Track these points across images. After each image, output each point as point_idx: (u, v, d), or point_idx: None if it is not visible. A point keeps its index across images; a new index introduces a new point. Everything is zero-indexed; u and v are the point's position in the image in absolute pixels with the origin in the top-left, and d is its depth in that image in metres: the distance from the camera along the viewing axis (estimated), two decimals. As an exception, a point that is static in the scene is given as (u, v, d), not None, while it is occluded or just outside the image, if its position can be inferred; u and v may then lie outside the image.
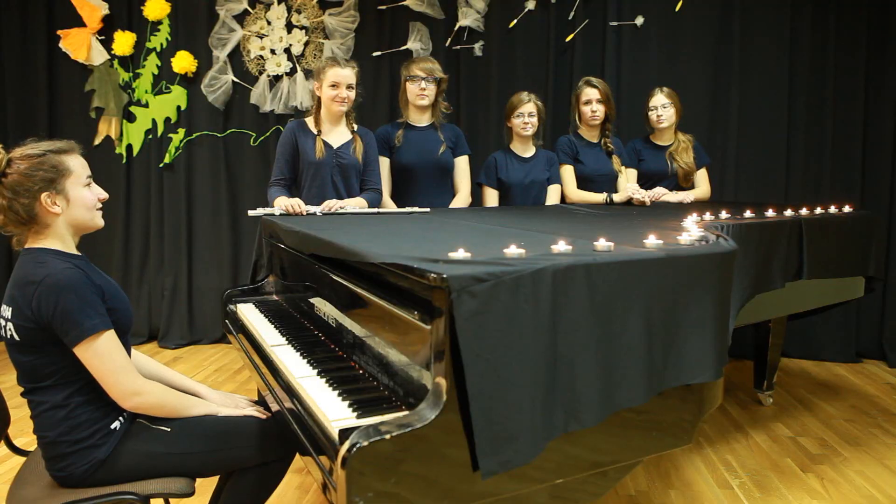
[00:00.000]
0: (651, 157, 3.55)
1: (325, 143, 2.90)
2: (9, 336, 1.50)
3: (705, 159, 3.60)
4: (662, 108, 3.46)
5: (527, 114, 3.26)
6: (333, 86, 2.84)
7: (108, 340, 1.46)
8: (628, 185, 3.35)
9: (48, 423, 1.49)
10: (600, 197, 3.34)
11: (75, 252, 1.58)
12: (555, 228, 2.01)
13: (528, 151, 3.35)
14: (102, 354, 1.45)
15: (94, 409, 1.51)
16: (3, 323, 1.51)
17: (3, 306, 1.52)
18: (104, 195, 1.62)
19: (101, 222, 1.62)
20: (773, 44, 4.00)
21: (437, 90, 3.16)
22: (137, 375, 1.51)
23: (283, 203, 2.65)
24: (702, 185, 3.57)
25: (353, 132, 2.95)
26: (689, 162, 3.51)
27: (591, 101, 3.38)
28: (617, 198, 3.32)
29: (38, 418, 1.51)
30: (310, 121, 2.94)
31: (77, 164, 1.55)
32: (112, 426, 1.53)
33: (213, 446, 1.58)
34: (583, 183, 3.41)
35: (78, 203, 1.54)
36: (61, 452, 1.48)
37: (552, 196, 3.34)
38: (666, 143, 3.55)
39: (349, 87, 2.85)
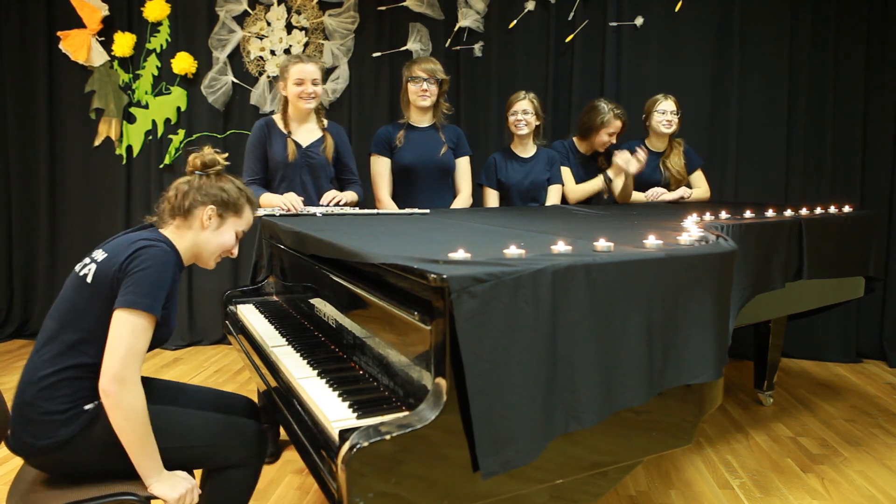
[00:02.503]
0: (647, 163, 3.54)
1: (294, 142, 2.88)
2: (83, 275, 1.55)
3: (698, 161, 3.59)
4: (672, 113, 3.43)
5: (521, 111, 3.24)
6: (298, 83, 2.81)
7: (145, 324, 1.47)
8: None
9: (33, 378, 1.49)
10: (598, 180, 3.36)
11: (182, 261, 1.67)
12: (555, 228, 2.01)
13: (527, 151, 3.34)
14: (130, 330, 1.45)
15: (78, 389, 1.50)
16: (88, 262, 1.57)
17: (99, 250, 1.58)
18: (234, 252, 1.74)
19: (212, 265, 1.73)
20: (773, 44, 4.00)
21: (439, 91, 3.15)
22: (138, 372, 1.49)
23: (279, 201, 2.65)
24: (700, 186, 3.57)
25: (323, 129, 2.94)
26: (679, 170, 3.51)
27: (615, 134, 3.39)
28: (612, 173, 3.33)
29: (27, 371, 1.52)
30: (278, 119, 2.92)
31: (247, 219, 1.74)
32: (86, 407, 1.51)
33: (176, 444, 1.56)
34: None
35: (218, 237, 1.69)
36: (29, 417, 1.48)
37: (553, 196, 3.34)
38: (661, 150, 3.55)
39: (314, 81, 2.82)
